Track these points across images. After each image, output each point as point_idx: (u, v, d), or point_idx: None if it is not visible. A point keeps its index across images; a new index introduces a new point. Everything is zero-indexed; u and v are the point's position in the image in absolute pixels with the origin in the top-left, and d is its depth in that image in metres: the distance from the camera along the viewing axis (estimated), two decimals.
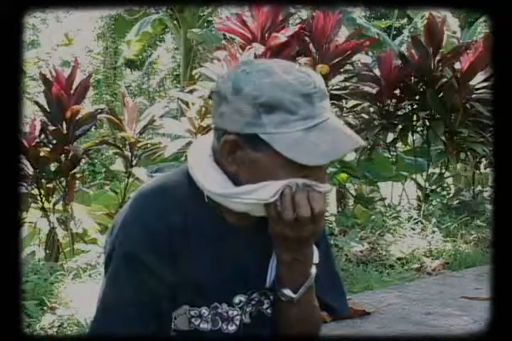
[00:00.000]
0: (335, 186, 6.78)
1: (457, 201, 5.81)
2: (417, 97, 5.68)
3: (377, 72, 5.64)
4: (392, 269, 4.22)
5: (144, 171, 4.45)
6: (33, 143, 4.18)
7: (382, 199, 6.37)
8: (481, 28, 10.41)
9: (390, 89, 5.59)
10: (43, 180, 4.27)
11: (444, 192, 5.74)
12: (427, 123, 5.72)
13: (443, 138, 5.58)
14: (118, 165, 5.48)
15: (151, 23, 11.48)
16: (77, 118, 4.29)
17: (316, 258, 1.38)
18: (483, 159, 6.15)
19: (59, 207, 4.30)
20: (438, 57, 5.51)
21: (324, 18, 5.25)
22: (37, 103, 4.38)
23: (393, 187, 6.20)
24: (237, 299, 1.39)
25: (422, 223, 4.90)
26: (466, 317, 3.24)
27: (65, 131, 4.28)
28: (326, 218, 4.73)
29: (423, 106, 5.60)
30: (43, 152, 4.19)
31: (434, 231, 4.76)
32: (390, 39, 9.86)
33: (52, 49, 16.74)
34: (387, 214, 5.10)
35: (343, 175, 6.35)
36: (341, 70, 5.56)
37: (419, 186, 5.99)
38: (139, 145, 4.59)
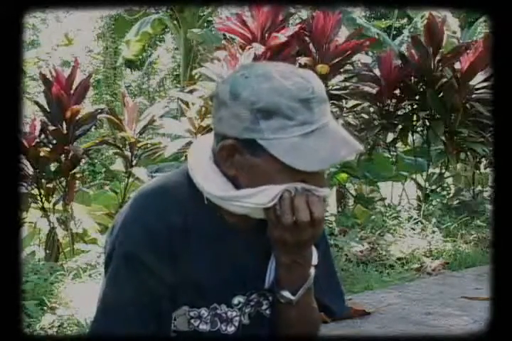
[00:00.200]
0: (335, 186, 6.78)
1: (457, 201, 5.81)
2: (417, 97, 5.68)
3: (377, 72, 5.64)
4: (392, 269, 4.22)
5: (144, 171, 4.45)
6: (33, 143, 4.18)
7: (382, 199, 6.37)
8: (481, 28, 10.41)
9: (390, 89, 5.59)
10: (43, 180, 4.27)
11: (444, 192, 5.74)
12: (427, 123, 5.72)
13: (443, 138, 5.59)
14: (118, 165, 5.48)
15: (151, 23, 11.47)
16: (77, 118, 4.29)
17: (315, 260, 1.38)
18: (483, 159, 6.15)
19: (59, 207, 4.30)
20: (438, 57, 5.51)
21: (324, 18, 5.26)
22: (37, 103, 4.38)
23: (393, 187, 6.20)
24: (236, 300, 1.39)
25: (422, 223, 4.90)
26: (466, 317, 3.24)
27: (65, 131, 4.28)
28: (326, 218, 4.73)
29: (423, 106, 5.60)
30: (43, 152, 4.19)
31: (434, 231, 4.76)
32: (390, 39, 9.86)
33: (52, 49, 16.73)
34: (387, 214, 5.10)
35: (343, 175, 6.35)
36: (341, 70, 5.56)
37: (419, 186, 5.99)
38: (139, 145, 4.59)
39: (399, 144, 6.15)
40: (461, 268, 4.36)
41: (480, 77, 5.38)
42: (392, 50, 7.08)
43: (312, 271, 1.37)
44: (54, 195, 4.35)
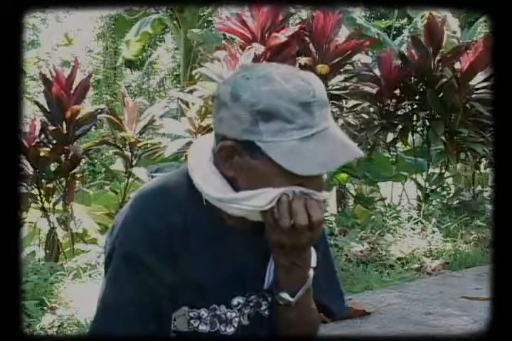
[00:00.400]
0: (335, 186, 6.79)
1: (457, 201, 5.81)
2: (417, 97, 5.68)
3: (377, 72, 5.64)
4: (392, 269, 4.22)
5: (144, 171, 4.46)
6: (33, 143, 4.18)
7: (382, 199, 6.38)
8: (481, 28, 10.40)
9: (390, 89, 5.59)
10: (43, 180, 4.28)
11: (444, 192, 5.74)
12: (427, 123, 5.72)
13: (443, 138, 5.59)
14: (118, 165, 5.48)
15: (151, 23, 11.46)
16: (77, 118, 4.29)
17: (314, 261, 1.38)
18: (483, 159, 6.15)
19: (59, 207, 4.30)
20: (438, 57, 5.51)
21: (324, 18, 5.26)
22: (37, 103, 4.38)
23: (393, 187, 6.21)
24: (235, 301, 1.38)
25: (422, 223, 4.90)
26: (466, 317, 3.25)
27: (65, 131, 4.28)
28: (326, 218, 4.73)
29: (423, 106, 5.61)
30: (43, 152, 4.20)
31: (434, 231, 4.77)
32: (390, 39, 9.85)
33: (52, 49, 16.72)
34: (387, 214, 5.11)
35: (343, 175, 6.36)
36: (341, 70, 5.56)
37: (419, 186, 5.99)
38: (139, 145, 4.60)
39: (399, 144, 6.15)
40: (461, 268, 4.37)
41: (480, 77, 5.39)
42: (392, 50, 7.08)
43: (311, 272, 1.37)
44: (54, 195, 4.36)
